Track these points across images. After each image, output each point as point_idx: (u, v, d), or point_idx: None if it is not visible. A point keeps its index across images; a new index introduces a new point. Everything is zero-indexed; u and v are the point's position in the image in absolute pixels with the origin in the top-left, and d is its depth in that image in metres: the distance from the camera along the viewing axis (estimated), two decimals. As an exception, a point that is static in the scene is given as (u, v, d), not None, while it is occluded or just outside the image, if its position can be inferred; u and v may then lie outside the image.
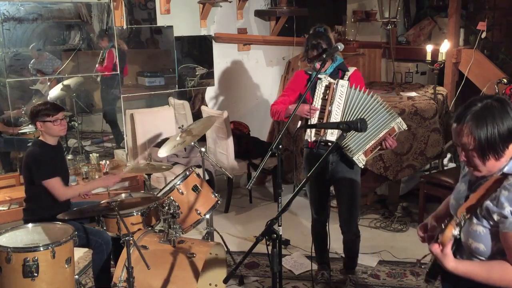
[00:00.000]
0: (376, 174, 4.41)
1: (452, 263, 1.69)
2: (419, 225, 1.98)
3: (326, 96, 3.12)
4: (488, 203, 1.68)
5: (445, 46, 4.94)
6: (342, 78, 3.20)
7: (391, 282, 3.58)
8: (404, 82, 5.77)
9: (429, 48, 4.93)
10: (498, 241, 1.69)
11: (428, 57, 4.92)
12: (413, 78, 5.93)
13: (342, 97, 3.09)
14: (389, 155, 4.32)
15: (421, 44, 5.85)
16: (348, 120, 3.07)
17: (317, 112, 3.13)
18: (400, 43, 6.21)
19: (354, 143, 3.08)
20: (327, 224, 3.45)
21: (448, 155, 5.36)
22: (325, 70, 3.22)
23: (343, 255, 3.58)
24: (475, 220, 1.72)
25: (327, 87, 3.12)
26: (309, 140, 3.22)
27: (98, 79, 4.98)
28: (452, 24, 5.35)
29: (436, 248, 1.70)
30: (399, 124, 3.07)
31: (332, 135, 3.10)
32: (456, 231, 1.68)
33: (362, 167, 3.15)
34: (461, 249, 1.79)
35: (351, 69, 3.28)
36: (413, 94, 4.86)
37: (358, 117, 3.06)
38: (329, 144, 3.11)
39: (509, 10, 5.52)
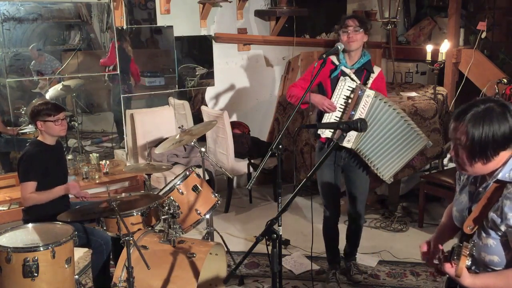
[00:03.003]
0: (376, 174, 4.40)
1: (468, 279, 1.68)
2: (424, 242, 1.96)
3: (349, 100, 3.11)
4: (492, 214, 1.68)
5: (445, 46, 4.94)
6: (366, 80, 3.19)
7: (391, 282, 3.58)
8: (404, 82, 5.77)
9: (429, 48, 4.93)
10: (510, 250, 1.68)
11: (428, 57, 4.91)
12: (413, 78, 5.92)
13: (366, 107, 3.09)
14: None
15: (421, 44, 5.85)
16: (369, 130, 3.09)
17: (336, 112, 3.14)
18: (400, 43, 6.21)
19: (384, 167, 3.14)
20: (338, 222, 3.51)
21: (448, 155, 5.35)
22: (353, 64, 3.20)
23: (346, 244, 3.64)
24: (484, 234, 1.71)
25: (351, 90, 3.11)
26: (322, 136, 3.22)
27: (106, 77, 4.97)
28: (452, 24, 5.35)
29: (449, 267, 1.69)
30: (427, 145, 3.12)
31: (348, 143, 3.11)
32: (469, 262, 1.67)
33: (390, 182, 3.26)
34: (476, 262, 1.78)
35: (376, 71, 3.27)
36: (413, 94, 4.86)
37: (380, 130, 3.11)
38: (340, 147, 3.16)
39: (509, 10, 5.52)
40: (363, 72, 3.22)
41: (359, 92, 3.08)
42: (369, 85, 3.18)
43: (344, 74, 3.14)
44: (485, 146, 1.66)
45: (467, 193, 1.86)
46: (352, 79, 3.14)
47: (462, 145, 1.69)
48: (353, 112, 3.09)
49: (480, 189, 1.78)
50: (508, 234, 1.66)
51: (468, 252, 1.67)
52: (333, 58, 3.24)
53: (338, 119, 3.14)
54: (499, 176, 1.70)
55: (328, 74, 3.22)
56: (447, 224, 2.01)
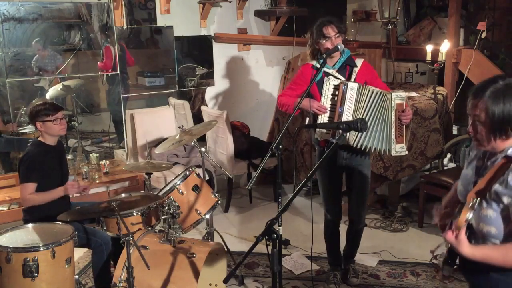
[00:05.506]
0: (376, 174, 4.41)
1: (467, 249, 1.70)
2: (435, 207, 2.02)
3: (336, 97, 3.10)
4: (497, 186, 1.70)
5: (445, 46, 4.94)
6: (350, 75, 3.20)
7: (391, 282, 3.58)
8: (404, 82, 5.77)
9: (429, 48, 4.93)
10: (509, 223, 1.70)
11: (428, 57, 4.92)
12: (413, 78, 5.92)
13: (352, 100, 3.07)
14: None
15: (421, 44, 5.84)
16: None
17: (328, 112, 3.12)
18: (400, 43, 6.21)
19: (379, 143, 3.07)
20: (339, 225, 3.49)
21: (448, 155, 5.35)
22: (333, 65, 3.21)
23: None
24: (485, 204, 1.73)
25: (336, 87, 3.11)
26: (319, 139, 3.22)
27: (104, 78, 4.97)
28: (452, 24, 5.35)
29: (450, 235, 1.71)
30: (397, 98, 3.02)
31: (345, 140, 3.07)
32: (470, 215, 1.68)
33: (407, 153, 3.15)
34: (475, 235, 1.80)
35: (359, 63, 3.26)
36: (413, 94, 4.86)
37: (369, 116, 3.06)
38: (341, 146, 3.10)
39: (509, 10, 5.52)
40: (346, 68, 3.22)
41: (343, 87, 3.07)
42: (353, 79, 3.18)
43: (327, 74, 3.13)
44: (505, 122, 1.67)
45: (474, 167, 1.88)
46: (336, 77, 3.15)
47: (481, 122, 1.70)
48: (341, 109, 3.07)
49: (488, 163, 1.80)
50: (510, 206, 1.67)
51: (470, 205, 1.68)
52: (314, 62, 3.25)
53: (330, 119, 3.13)
54: (509, 152, 1.72)
55: (311, 79, 3.24)
56: (453, 197, 2.03)
